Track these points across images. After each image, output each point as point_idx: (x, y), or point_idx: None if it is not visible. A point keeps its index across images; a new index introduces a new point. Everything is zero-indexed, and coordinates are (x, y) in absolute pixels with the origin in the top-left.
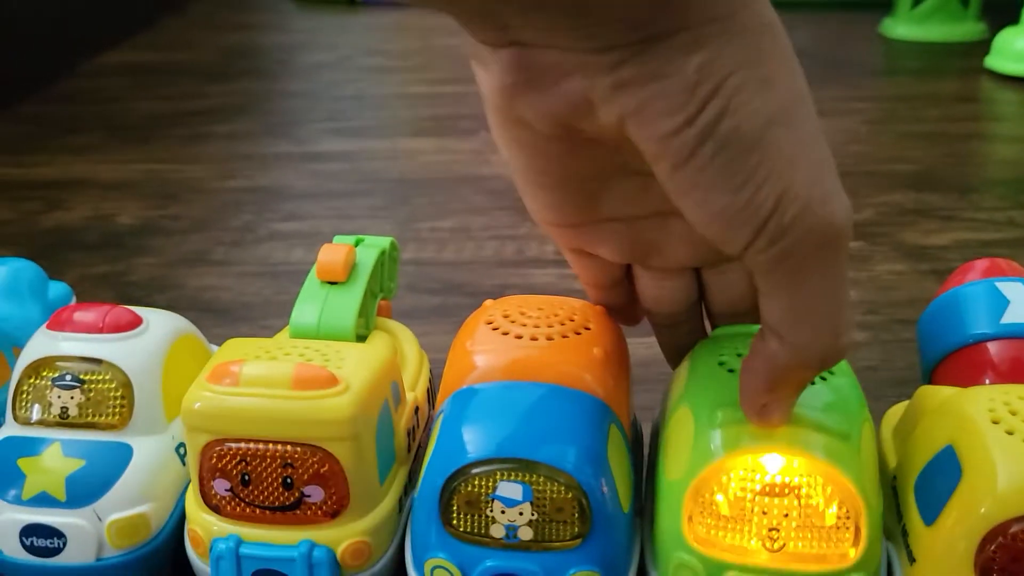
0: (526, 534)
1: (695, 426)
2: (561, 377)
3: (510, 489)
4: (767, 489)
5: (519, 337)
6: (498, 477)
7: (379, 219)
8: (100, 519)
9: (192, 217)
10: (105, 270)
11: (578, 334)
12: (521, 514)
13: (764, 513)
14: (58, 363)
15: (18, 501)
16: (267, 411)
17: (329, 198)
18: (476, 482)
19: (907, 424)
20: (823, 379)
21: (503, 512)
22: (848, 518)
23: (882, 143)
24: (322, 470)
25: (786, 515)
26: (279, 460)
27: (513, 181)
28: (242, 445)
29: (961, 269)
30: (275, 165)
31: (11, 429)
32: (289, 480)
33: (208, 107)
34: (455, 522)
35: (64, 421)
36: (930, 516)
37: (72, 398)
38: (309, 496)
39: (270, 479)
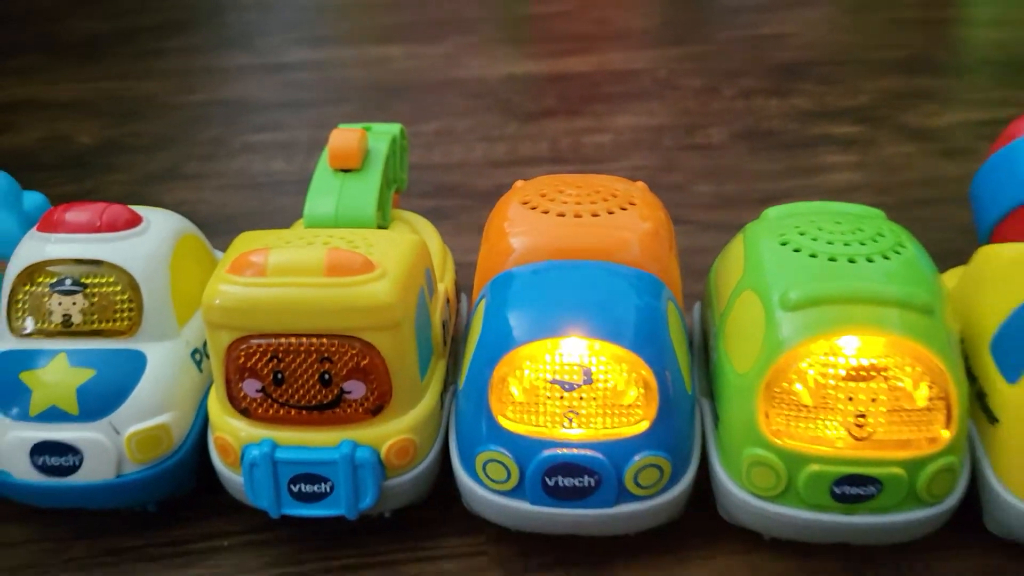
0: (588, 420)
1: (765, 312)
2: (612, 253)
3: (570, 372)
4: (852, 373)
5: (561, 215)
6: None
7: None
8: (118, 432)
9: (156, 133)
10: (72, 189)
11: (624, 209)
12: (581, 398)
13: (850, 399)
14: (54, 267)
15: (25, 418)
16: (299, 301)
17: (301, 108)
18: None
19: (969, 287)
20: (896, 253)
21: (561, 398)
22: (940, 399)
23: (867, 31)
24: (362, 363)
25: (874, 400)
26: (315, 354)
27: (495, 80)
28: (273, 340)
29: (1012, 126)
30: (237, 77)
31: (7, 343)
32: (327, 376)
33: (153, 23)
34: (508, 411)
35: (67, 330)
36: (1014, 373)
37: (74, 304)
38: (349, 392)
39: (306, 376)
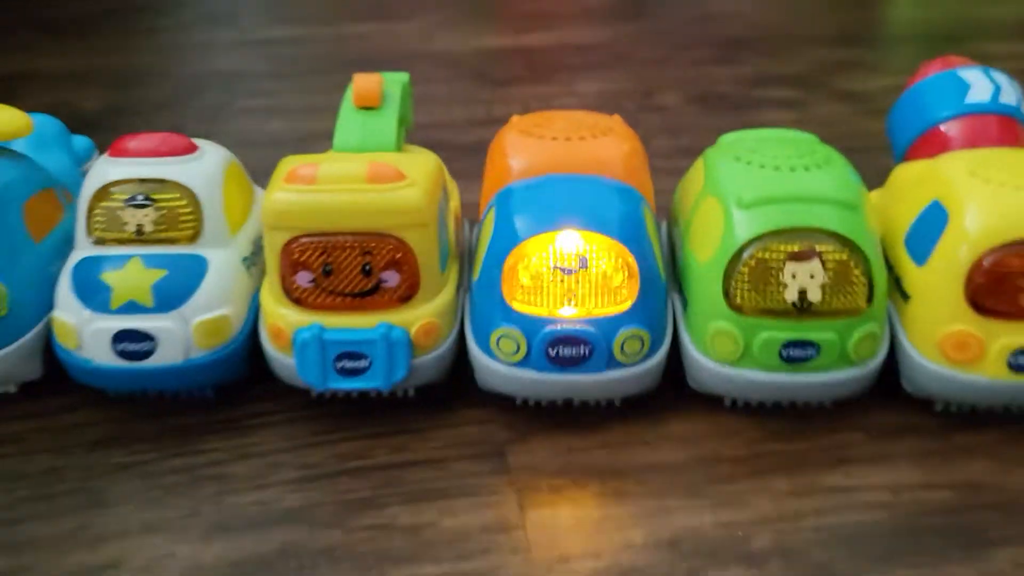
0: (582, 300)
1: (724, 212)
2: (598, 168)
3: (568, 260)
4: (794, 256)
5: (554, 139)
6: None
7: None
8: (187, 321)
9: (157, 99)
10: None
11: (605, 135)
12: (577, 282)
13: (794, 277)
14: (127, 186)
15: (107, 310)
16: (346, 205)
17: (290, 77)
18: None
19: (888, 198)
20: (828, 165)
21: (561, 282)
22: (863, 276)
23: (803, 11)
24: (397, 256)
25: (812, 276)
26: (358, 249)
27: (466, 53)
28: (323, 238)
29: (921, 69)
30: (227, 51)
31: (86, 251)
32: (368, 267)
33: (142, 3)
34: (517, 295)
35: (140, 238)
36: (921, 258)
37: (146, 216)
38: (386, 282)
39: (351, 267)
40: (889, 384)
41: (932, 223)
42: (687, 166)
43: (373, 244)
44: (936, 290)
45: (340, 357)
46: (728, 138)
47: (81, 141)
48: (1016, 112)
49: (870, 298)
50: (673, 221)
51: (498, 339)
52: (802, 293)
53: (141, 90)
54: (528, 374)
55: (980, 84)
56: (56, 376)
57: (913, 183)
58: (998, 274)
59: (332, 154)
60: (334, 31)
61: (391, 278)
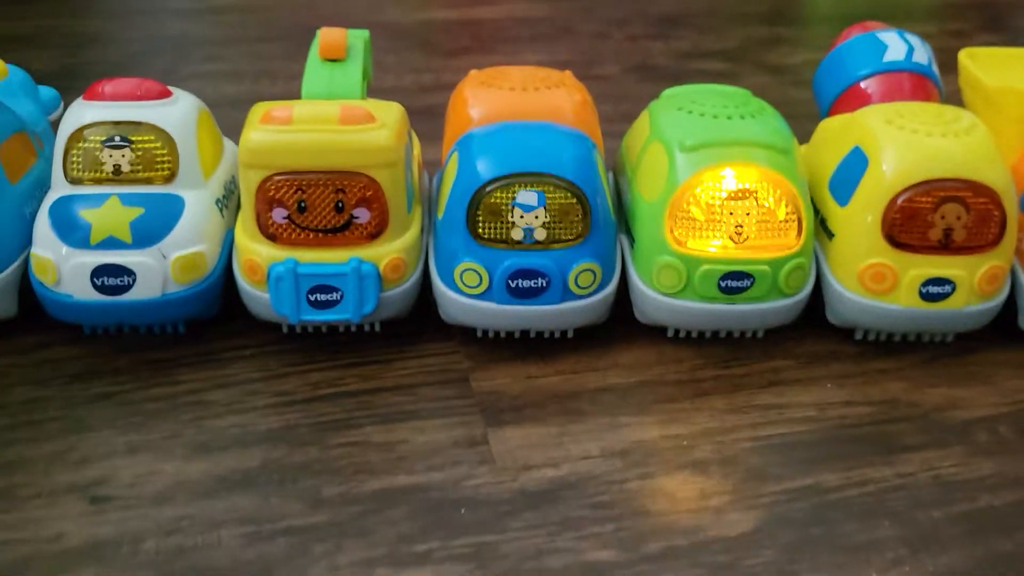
0: (540, 235)
1: (668, 155)
2: (552, 115)
3: (527, 197)
4: (732, 195)
5: (511, 89)
6: (517, 188)
7: (294, 60)
8: (165, 257)
9: (109, 62)
10: None
11: (558, 87)
12: (536, 218)
13: (731, 214)
14: (103, 127)
15: (86, 245)
16: (320, 143)
17: (241, 43)
18: (499, 194)
19: (814, 149)
20: (761, 115)
21: (522, 217)
22: (793, 214)
23: None
24: (368, 194)
25: (747, 214)
26: (331, 186)
27: (414, 24)
28: (298, 176)
29: (843, 33)
30: (175, 18)
31: (64, 189)
32: (340, 204)
33: None
34: (480, 230)
35: (117, 177)
36: (844, 199)
37: (123, 156)
38: (357, 217)
39: (324, 203)
40: (814, 317)
41: (853, 167)
42: (625, 130)
43: (346, 182)
44: (856, 227)
45: (313, 290)
46: (670, 92)
47: (47, 91)
48: (927, 71)
49: (799, 234)
50: (620, 170)
51: (462, 273)
52: (738, 228)
53: (91, 53)
54: (489, 306)
55: (895, 45)
56: (30, 315)
57: (837, 133)
58: (910, 210)
59: (304, 100)
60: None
61: (362, 215)
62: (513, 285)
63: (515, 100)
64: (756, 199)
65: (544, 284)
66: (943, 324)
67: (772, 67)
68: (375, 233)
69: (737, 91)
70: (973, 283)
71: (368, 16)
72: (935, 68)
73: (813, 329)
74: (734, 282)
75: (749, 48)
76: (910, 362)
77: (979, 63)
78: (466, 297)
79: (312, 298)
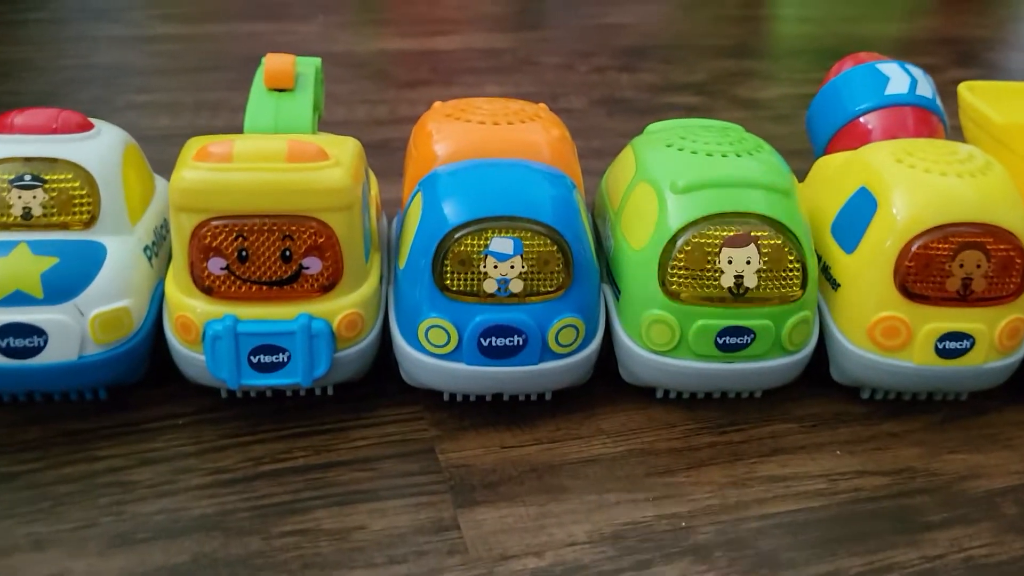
0: (516, 287)
1: (657, 197)
2: (528, 152)
3: (502, 244)
4: (730, 242)
5: (481, 123)
6: (490, 234)
7: (239, 90)
8: (83, 314)
9: (37, 92)
10: None
11: (532, 121)
12: (512, 268)
13: (729, 263)
14: (11, 165)
15: None
16: (264, 183)
17: (178, 74)
18: (469, 241)
19: (811, 190)
20: (758, 152)
21: (495, 267)
22: (797, 262)
23: (698, 24)
24: (319, 240)
25: (747, 263)
26: (277, 232)
27: (368, 54)
28: (239, 220)
29: (835, 66)
30: (108, 46)
31: None
32: (288, 252)
33: None
34: (448, 282)
35: (27, 222)
36: (850, 245)
37: (34, 198)
38: (307, 268)
39: (268, 252)
40: (816, 374)
41: (860, 210)
42: (601, 167)
43: (294, 227)
44: (866, 276)
45: (256, 351)
46: (655, 127)
47: None
48: (932, 105)
49: (803, 284)
50: (600, 213)
51: (427, 330)
52: (738, 279)
53: (18, 83)
54: (459, 367)
55: (897, 77)
56: None
57: (838, 172)
58: (926, 258)
59: (247, 135)
60: (227, 29)
61: (313, 265)
62: (486, 344)
63: (486, 135)
64: (757, 246)
65: (521, 342)
66: (960, 383)
67: (746, 101)
68: (328, 285)
69: (728, 126)
70: (993, 338)
71: (319, 45)
72: (940, 102)
73: (813, 388)
74: (733, 338)
75: (719, 81)
76: (922, 424)
77: (981, 97)
78: (432, 357)
79: (255, 360)
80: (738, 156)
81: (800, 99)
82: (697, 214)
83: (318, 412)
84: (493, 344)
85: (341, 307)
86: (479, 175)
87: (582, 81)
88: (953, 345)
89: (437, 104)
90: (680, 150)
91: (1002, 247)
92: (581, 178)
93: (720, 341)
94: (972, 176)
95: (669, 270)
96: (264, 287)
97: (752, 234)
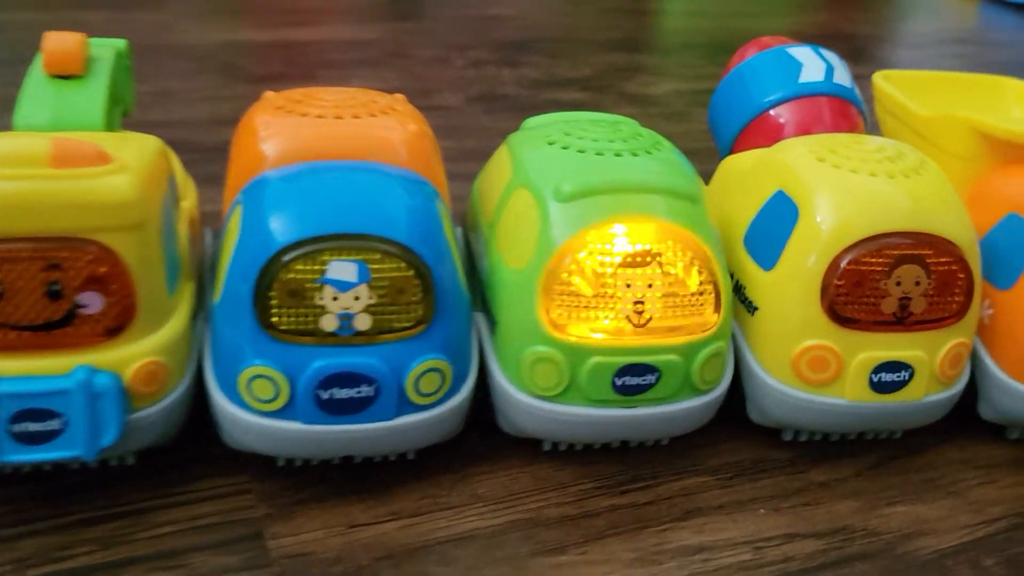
0: (363, 323)
1: (539, 206)
2: (379, 153)
3: (343, 269)
4: (628, 260)
5: (320, 117)
6: (327, 257)
7: None
8: None
9: None
10: None
11: (385, 114)
12: (357, 299)
13: (628, 286)
14: None
15: None
16: (20, 196)
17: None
18: (300, 266)
19: (716, 194)
20: (657, 150)
21: (335, 299)
22: (709, 283)
23: (584, 17)
24: (100, 270)
25: (650, 285)
26: (41, 261)
27: (215, 46)
28: None
29: (738, 53)
30: None
31: None
32: (56, 287)
33: None
34: (275, 319)
35: None
36: (768, 261)
37: None
38: (84, 307)
39: (29, 288)
40: (731, 414)
41: (778, 219)
42: (471, 170)
43: (64, 254)
44: (787, 298)
45: (19, 417)
46: (535, 121)
47: None
48: (850, 95)
49: (717, 307)
50: (472, 226)
51: (249, 381)
52: (639, 305)
53: None
54: (292, 427)
55: (812, 63)
56: None
57: (749, 175)
58: (858, 275)
59: (4, 133)
60: (49, 18)
61: (92, 302)
62: (326, 396)
63: (326, 131)
64: (660, 264)
65: (371, 393)
66: (897, 420)
67: (636, 97)
68: (114, 328)
69: (621, 120)
70: (934, 366)
71: (158, 36)
72: (859, 92)
73: (728, 431)
74: (634, 378)
75: (607, 76)
76: (854, 469)
77: (899, 88)
78: (258, 415)
79: (18, 429)
80: (634, 155)
81: (693, 95)
82: (586, 226)
83: (111, 491)
84: (335, 396)
85: (134, 355)
86: (314, 182)
87: (458, 76)
88: (889, 377)
89: (268, 94)
90: (565, 148)
91: (943, 260)
92: (446, 185)
93: (619, 382)
94: (906, 177)
95: (555, 296)
96: (26, 333)
97: (654, 249)
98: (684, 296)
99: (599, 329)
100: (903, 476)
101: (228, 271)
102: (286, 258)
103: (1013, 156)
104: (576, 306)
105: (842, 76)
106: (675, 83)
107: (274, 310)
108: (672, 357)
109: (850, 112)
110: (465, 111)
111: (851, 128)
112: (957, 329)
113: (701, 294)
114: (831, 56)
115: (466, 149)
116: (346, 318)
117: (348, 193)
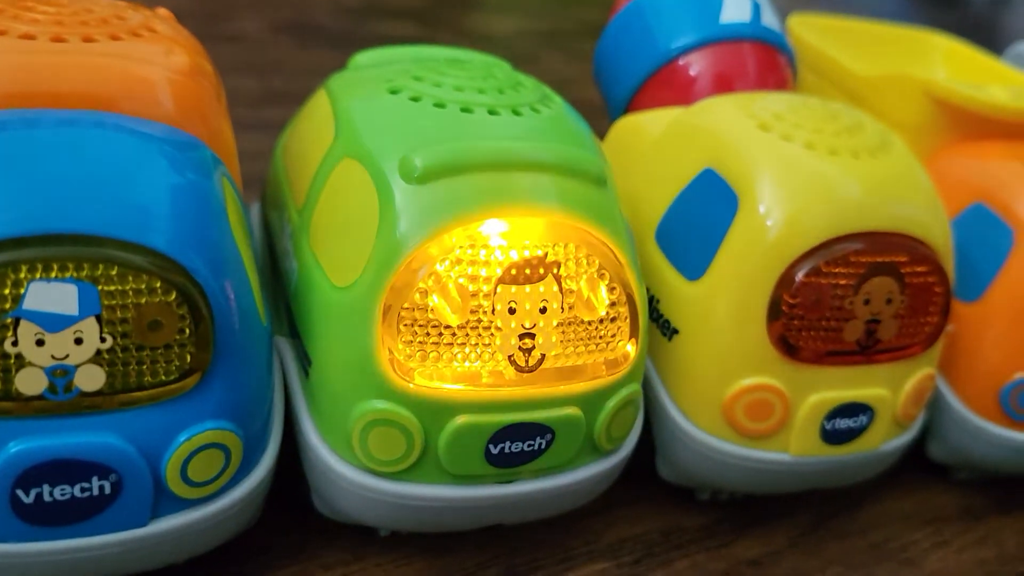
0: (92, 379)
1: (377, 188)
2: (121, 98)
3: (52, 295)
4: (513, 272)
5: (29, 37)
6: (24, 275)
7: None
8: None
9: None
10: None
11: (138, 36)
12: (80, 342)
13: (510, 312)
14: None
15: None
16: None
17: None
18: None
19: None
20: (546, 107)
21: (41, 343)
22: (624, 303)
23: None
24: None
25: (543, 310)
26: None
27: None
28: None
29: None
30: None
31: None
32: None
33: None
34: None
35: None
36: (695, 269)
37: None
38: None
39: None
40: (632, 469)
41: (707, 209)
42: (280, 118)
43: None
44: (721, 320)
45: None
46: (368, 57)
47: None
48: (780, 41)
49: (632, 332)
50: (272, 204)
51: None
52: (525, 339)
53: None
54: None
55: None
56: None
57: (661, 144)
58: (817, 291)
59: None
60: None
61: None
62: (30, 498)
63: (38, 60)
64: (557, 279)
65: (108, 489)
66: (845, 475)
67: (477, 36)
68: None
69: (493, 62)
70: (896, 406)
71: None
72: (791, 40)
73: (626, 490)
74: (517, 444)
75: (441, 7)
76: (788, 537)
77: (822, 39)
78: None
79: None
80: (516, 114)
81: (545, 37)
82: (449, 220)
83: None
84: (49, 498)
85: None
86: (9, 148)
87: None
88: (845, 424)
89: None
90: (415, 100)
91: (919, 271)
92: (235, 148)
93: (494, 450)
94: (872, 156)
95: (402, 327)
96: None
97: (549, 258)
98: (588, 324)
99: (467, 376)
100: (846, 542)
101: None
102: None
103: (974, 130)
104: (434, 342)
105: (769, 18)
106: (522, 20)
107: None
108: (570, 411)
109: (779, 63)
110: (270, 43)
111: (780, 85)
112: (925, 358)
113: (613, 320)
114: None
115: (271, 90)
116: (62, 373)
117: (62, 165)
